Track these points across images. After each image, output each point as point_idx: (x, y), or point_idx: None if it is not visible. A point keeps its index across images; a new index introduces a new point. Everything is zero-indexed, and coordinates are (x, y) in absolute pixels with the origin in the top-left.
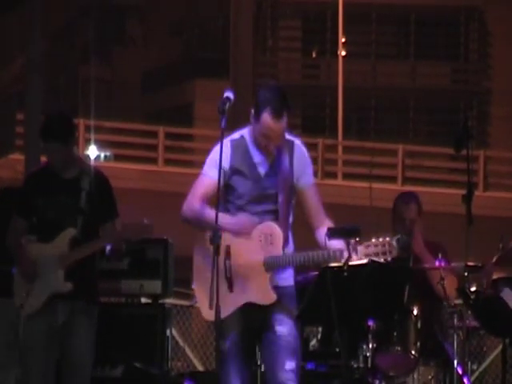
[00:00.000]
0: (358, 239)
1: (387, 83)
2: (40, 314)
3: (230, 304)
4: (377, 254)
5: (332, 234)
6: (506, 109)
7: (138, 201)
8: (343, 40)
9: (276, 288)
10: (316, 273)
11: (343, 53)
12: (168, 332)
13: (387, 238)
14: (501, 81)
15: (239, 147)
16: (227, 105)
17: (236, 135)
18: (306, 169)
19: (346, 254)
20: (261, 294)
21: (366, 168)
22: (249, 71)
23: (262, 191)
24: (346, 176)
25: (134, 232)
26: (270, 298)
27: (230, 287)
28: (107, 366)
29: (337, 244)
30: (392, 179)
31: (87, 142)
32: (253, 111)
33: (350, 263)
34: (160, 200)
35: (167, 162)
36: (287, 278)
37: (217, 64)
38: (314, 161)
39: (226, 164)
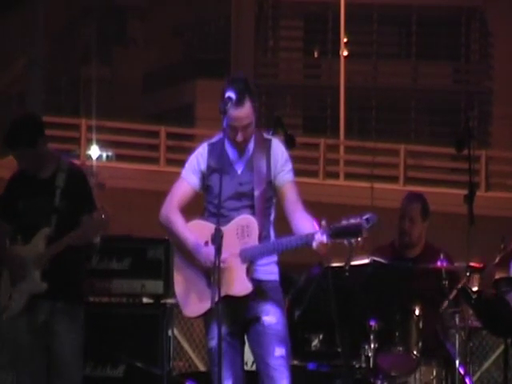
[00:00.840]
0: (359, 239)
1: (388, 83)
2: (22, 315)
3: (210, 299)
4: (347, 235)
5: (334, 234)
6: (508, 108)
7: (139, 201)
8: (345, 40)
9: (260, 282)
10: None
11: (345, 53)
12: (170, 332)
13: (358, 219)
14: (502, 81)
15: (216, 147)
16: (228, 105)
17: (215, 138)
18: (284, 166)
19: (319, 237)
20: (238, 285)
21: (368, 168)
22: (250, 71)
23: (238, 188)
24: (348, 176)
25: (92, 227)
26: (247, 288)
27: (209, 282)
28: (108, 366)
29: (308, 229)
30: (394, 179)
31: (89, 141)
32: (231, 95)
33: (352, 263)
34: (161, 200)
35: (169, 161)
36: (271, 273)
37: (218, 64)
38: (316, 161)
39: (203, 167)
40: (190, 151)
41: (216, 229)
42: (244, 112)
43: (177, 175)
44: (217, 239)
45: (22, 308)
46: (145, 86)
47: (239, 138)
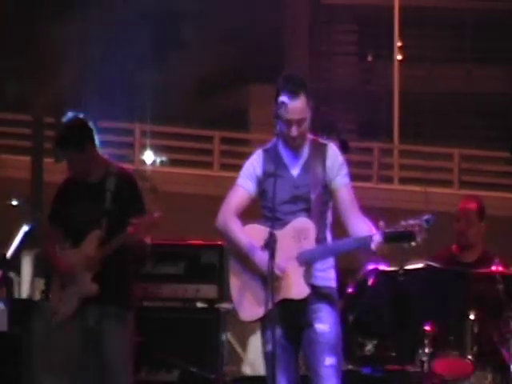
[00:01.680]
0: (413, 243)
1: (443, 87)
2: (72, 318)
3: (266, 303)
4: (402, 239)
5: (387, 238)
6: None
7: (193, 205)
8: (399, 44)
9: (317, 287)
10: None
11: (399, 57)
12: (223, 336)
13: (417, 220)
14: None
15: (270, 152)
16: (282, 109)
17: (269, 144)
18: (340, 170)
19: (377, 238)
20: (295, 288)
21: (422, 172)
22: (304, 76)
23: (294, 191)
24: (402, 180)
25: (142, 229)
26: (304, 291)
27: (265, 287)
28: (163, 371)
29: (366, 231)
30: (448, 183)
31: (143, 146)
32: (285, 100)
33: (406, 267)
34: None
35: (222, 166)
36: (328, 279)
37: (272, 69)
38: (370, 165)
39: (258, 172)
40: (243, 156)
41: (270, 233)
42: (299, 105)
43: (230, 180)
44: (270, 244)
45: (72, 312)
46: (198, 91)
47: (294, 131)
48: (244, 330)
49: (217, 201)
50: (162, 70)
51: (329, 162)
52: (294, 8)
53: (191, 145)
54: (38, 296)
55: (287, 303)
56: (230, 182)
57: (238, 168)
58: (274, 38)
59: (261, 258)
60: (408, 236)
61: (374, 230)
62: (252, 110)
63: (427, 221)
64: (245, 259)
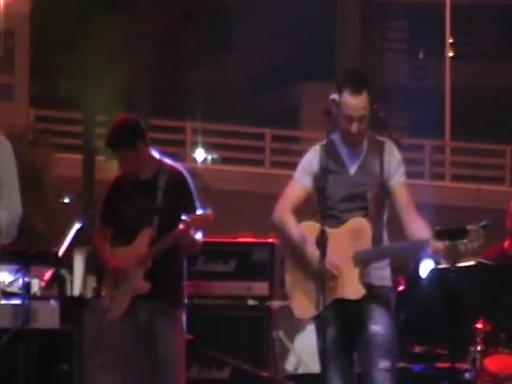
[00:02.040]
0: (465, 241)
1: (494, 84)
2: (125, 316)
3: (321, 301)
4: (452, 237)
5: (438, 235)
6: None
7: (244, 203)
8: (450, 41)
9: (372, 287)
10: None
11: (450, 53)
12: (275, 334)
13: (474, 226)
14: None
15: (328, 149)
16: (333, 107)
17: (326, 139)
18: (397, 168)
19: (434, 243)
20: (350, 288)
21: (474, 169)
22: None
23: (351, 189)
24: (454, 177)
25: (194, 226)
26: (359, 292)
27: (322, 285)
28: (214, 368)
29: (422, 233)
30: (500, 180)
31: (194, 144)
32: (335, 97)
33: (458, 265)
34: (266, 202)
35: (274, 164)
36: (384, 277)
37: (323, 66)
38: (421, 162)
39: (315, 168)
40: (294, 154)
41: (321, 231)
42: (361, 102)
43: (281, 177)
44: (321, 241)
45: (124, 309)
46: (250, 89)
47: (354, 128)
48: (295, 327)
49: (268, 198)
50: (213, 68)
51: (386, 161)
52: (345, 6)
53: (242, 142)
54: (89, 294)
55: (341, 303)
56: (281, 180)
57: (288, 166)
58: (325, 36)
59: (313, 255)
60: (461, 232)
61: (430, 230)
62: (303, 108)
63: (484, 227)
64: (299, 256)
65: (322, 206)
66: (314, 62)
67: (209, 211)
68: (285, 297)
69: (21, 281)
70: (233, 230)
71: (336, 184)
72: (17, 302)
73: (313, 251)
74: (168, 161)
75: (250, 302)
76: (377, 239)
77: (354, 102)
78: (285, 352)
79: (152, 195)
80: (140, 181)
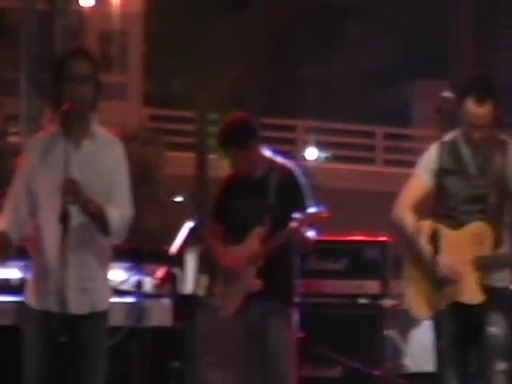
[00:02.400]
0: None
1: None
2: (236, 314)
3: (438, 303)
4: None
5: None
6: None
7: (355, 201)
8: None
9: (491, 289)
10: None
11: None
12: (387, 333)
13: None
14: None
15: (449, 147)
16: (446, 105)
17: (449, 136)
18: None
19: None
20: (469, 293)
21: None
22: (468, 71)
23: (472, 191)
24: None
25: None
26: (478, 297)
27: (439, 286)
28: (326, 367)
29: None
30: None
31: (306, 143)
32: (447, 95)
33: None
34: (378, 201)
35: (386, 162)
36: (504, 279)
37: (437, 64)
38: None
39: (435, 166)
40: (406, 152)
41: (433, 230)
42: (484, 112)
43: (394, 176)
44: (434, 241)
45: (236, 308)
46: (362, 87)
47: (476, 136)
48: (407, 326)
49: (379, 197)
50: (326, 67)
51: (510, 161)
52: (459, 2)
53: (354, 141)
54: (202, 292)
55: (458, 306)
56: (393, 178)
57: (400, 164)
58: (438, 33)
59: (428, 253)
60: None
61: None
62: (416, 106)
63: None
64: (416, 254)
65: (439, 205)
66: (426, 60)
67: (322, 209)
68: (397, 296)
69: (133, 279)
70: (345, 229)
71: (456, 185)
72: (129, 300)
73: (427, 249)
74: (280, 159)
75: (362, 301)
76: (497, 245)
77: (477, 111)
78: (397, 351)
79: (263, 194)
80: (251, 179)
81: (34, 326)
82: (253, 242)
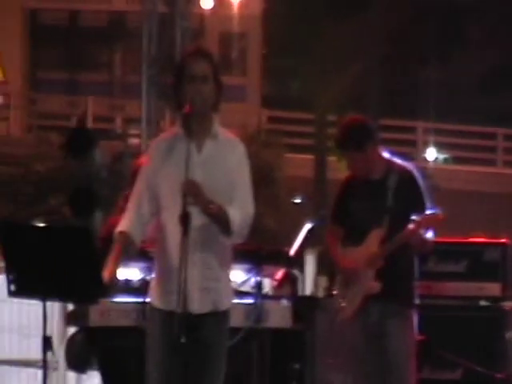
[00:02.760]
0: None
1: None
2: (356, 316)
3: None
4: None
5: None
6: None
7: (475, 203)
8: None
9: None
10: None
11: None
12: (508, 335)
13: None
14: None
15: None
16: None
17: None
18: None
19: None
20: None
21: None
22: None
23: None
24: None
25: (424, 226)
26: None
27: None
28: (446, 369)
29: None
30: None
31: (425, 144)
32: None
33: None
34: (498, 202)
35: (506, 164)
36: None
37: None
38: None
39: None
40: None
41: None
42: None
43: None
44: None
45: (355, 309)
46: (482, 88)
47: None
48: None
49: (500, 198)
50: (445, 67)
51: None
52: None
53: (474, 142)
54: (321, 293)
55: None
56: None
57: None
58: None
59: None
60: None
61: None
62: None
63: None
64: None
65: None
66: None
67: (439, 211)
68: None
69: (253, 280)
70: (464, 230)
71: None
72: (249, 301)
73: None
74: (398, 161)
75: (482, 303)
76: None
77: None
78: None
79: (382, 195)
80: (370, 181)
81: (157, 326)
82: (371, 244)
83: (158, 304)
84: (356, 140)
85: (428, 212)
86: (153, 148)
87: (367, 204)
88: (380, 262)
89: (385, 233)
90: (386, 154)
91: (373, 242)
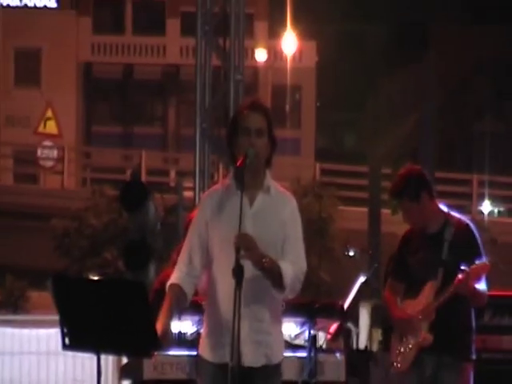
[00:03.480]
0: None
1: None
2: (410, 369)
3: None
4: None
5: None
6: None
7: None
8: None
9: None
10: None
11: None
12: None
13: None
14: None
15: None
16: None
17: None
18: None
19: None
20: None
21: None
22: None
23: None
24: None
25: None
26: None
27: None
28: None
29: None
30: None
31: (481, 197)
32: None
33: None
34: None
35: None
36: None
37: None
38: None
39: None
40: None
41: None
42: None
43: None
44: None
45: (410, 362)
46: None
47: None
48: None
49: None
50: (499, 119)
51: None
52: None
53: None
54: (375, 347)
55: None
56: None
57: None
58: None
59: None
60: None
61: None
62: None
63: None
64: None
65: None
66: None
67: (485, 260)
68: None
69: (307, 333)
70: None
71: None
72: (303, 354)
73: None
74: (455, 213)
75: None
76: None
77: None
78: None
79: (438, 248)
80: (427, 234)
81: (209, 379)
82: (426, 296)
83: (209, 357)
84: (410, 190)
85: (476, 262)
86: (204, 199)
87: (424, 257)
88: (433, 315)
89: (439, 285)
90: (443, 207)
91: (427, 294)
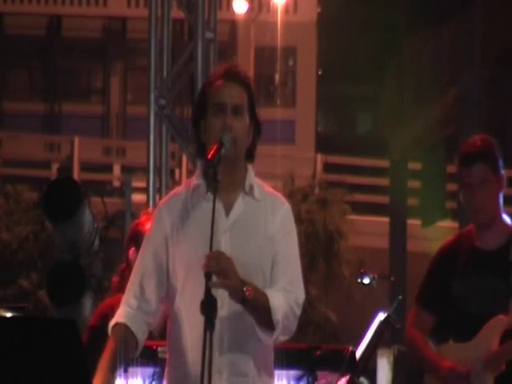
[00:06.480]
0: None
1: None
2: None
3: None
4: None
5: None
6: None
7: None
8: None
9: None
10: None
11: None
12: None
13: None
14: None
15: None
16: None
17: None
18: None
19: None
20: None
21: None
22: None
23: None
24: None
25: None
26: None
27: None
28: None
29: None
30: None
31: None
32: None
33: None
34: None
35: None
36: None
37: None
38: None
39: None
40: None
41: None
42: None
43: None
44: None
45: None
46: None
47: None
48: None
49: None
50: None
51: None
52: None
53: None
54: None
55: None
56: None
57: None
58: None
59: None
60: None
61: None
62: None
63: None
64: None
65: None
66: None
67: None
68: None
69: None
70: None
71: None
72: None
73: None
74: None
75: None
76: None
77: None
78: None
79: (502, 271)
80: (483, 250)
81: None
82: (489, 338)
83: None
84: (493, 156)
85: None
86: (161, 208)
87: (479, 282)
88: (503, 365)
89: (510, 323)
90: (507, 219)
91: (491, 334)
